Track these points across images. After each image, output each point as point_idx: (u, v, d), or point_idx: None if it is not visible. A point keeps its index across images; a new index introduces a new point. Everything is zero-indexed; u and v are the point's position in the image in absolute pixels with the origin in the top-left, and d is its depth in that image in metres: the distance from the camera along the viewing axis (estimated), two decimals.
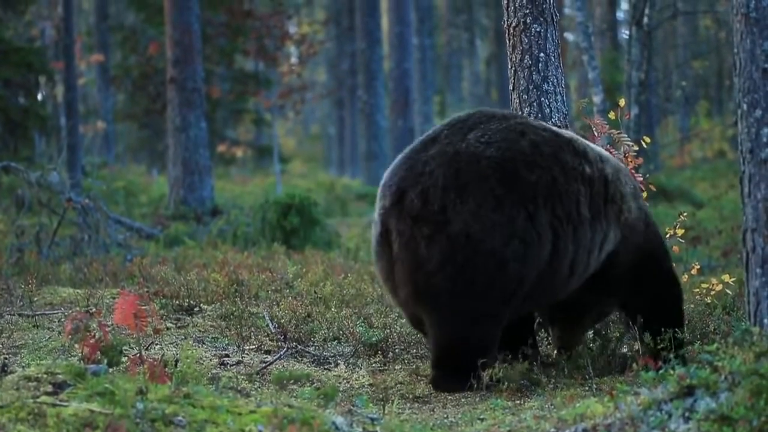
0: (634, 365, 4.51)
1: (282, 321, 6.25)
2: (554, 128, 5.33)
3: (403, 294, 5.01)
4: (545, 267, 5.00)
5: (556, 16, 6.04)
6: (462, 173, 4.89)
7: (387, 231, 5.00)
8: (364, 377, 5.48)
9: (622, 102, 6.88)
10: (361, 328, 6.06)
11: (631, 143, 6.27)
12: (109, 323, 5.29)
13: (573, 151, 5.16)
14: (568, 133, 5.39)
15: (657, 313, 5.33)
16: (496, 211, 4.85)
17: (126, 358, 4.81)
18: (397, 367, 5.68)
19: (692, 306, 6.33)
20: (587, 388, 4.96)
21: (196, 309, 6.87)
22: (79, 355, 4.80)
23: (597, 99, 11.63)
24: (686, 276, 6.70)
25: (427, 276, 4.87)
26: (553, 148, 5.09)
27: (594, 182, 5.16)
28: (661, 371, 4.19)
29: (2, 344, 5.80)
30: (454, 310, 4.92)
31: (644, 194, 5.74)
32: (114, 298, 6.68)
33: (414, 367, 5.65)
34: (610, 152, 5.81)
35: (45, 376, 3.98)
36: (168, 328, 6.30)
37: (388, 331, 6.01)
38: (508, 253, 4.86)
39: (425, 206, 4.87)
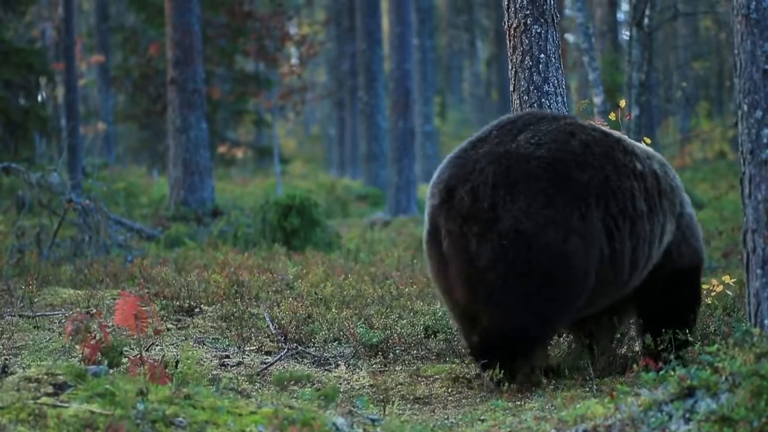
0: (635, 366, 4.51)
1: (282, 322, 6.26)
2: (603, 128, 5.36)
3: (458, 292, 4.98)
4: (604, 266, 4.97)
5: (556, 17, 6.05)
6: (512, 171, 4.88)
7: (436, 230, 5.00)
8: (364, 378, 5.48)
9: (622, 103, 6.89)
10: (361, 329, 6.06)
11: None
12: (110, 324, 5.29)
13: (623, 149, 5.20)
14: (616, 132, 5.42)
15: (678, 312, 5.34)
16: (547, 207, 4.82)
17: (126, 359, 4.81)
18: (397, 368, 5.68)
19: None
20: (588, 389, 4.96)
21: (197, 310, 6.87)
22: (80, 356, 4.80)
23: (598, 100, 11.61)
24: None
25: (478, 273, 4.84)
26: (604, 148, 5.11)
27: (646, 177, 5.19)
28: (661, 372, 4.20)
29: (3, 345, 5.80)
30: (505, 306, 4.87)
31: None
32: (114, 299, 6.69)
33: (414, 368, 5.65)
34: None
35: (45, 377, 3.99)
36: (168, 329, 6.30)
37: (389, 332, 6.01)
38: (569, 247, 4.82)
39: (474, 204, 4.86)
